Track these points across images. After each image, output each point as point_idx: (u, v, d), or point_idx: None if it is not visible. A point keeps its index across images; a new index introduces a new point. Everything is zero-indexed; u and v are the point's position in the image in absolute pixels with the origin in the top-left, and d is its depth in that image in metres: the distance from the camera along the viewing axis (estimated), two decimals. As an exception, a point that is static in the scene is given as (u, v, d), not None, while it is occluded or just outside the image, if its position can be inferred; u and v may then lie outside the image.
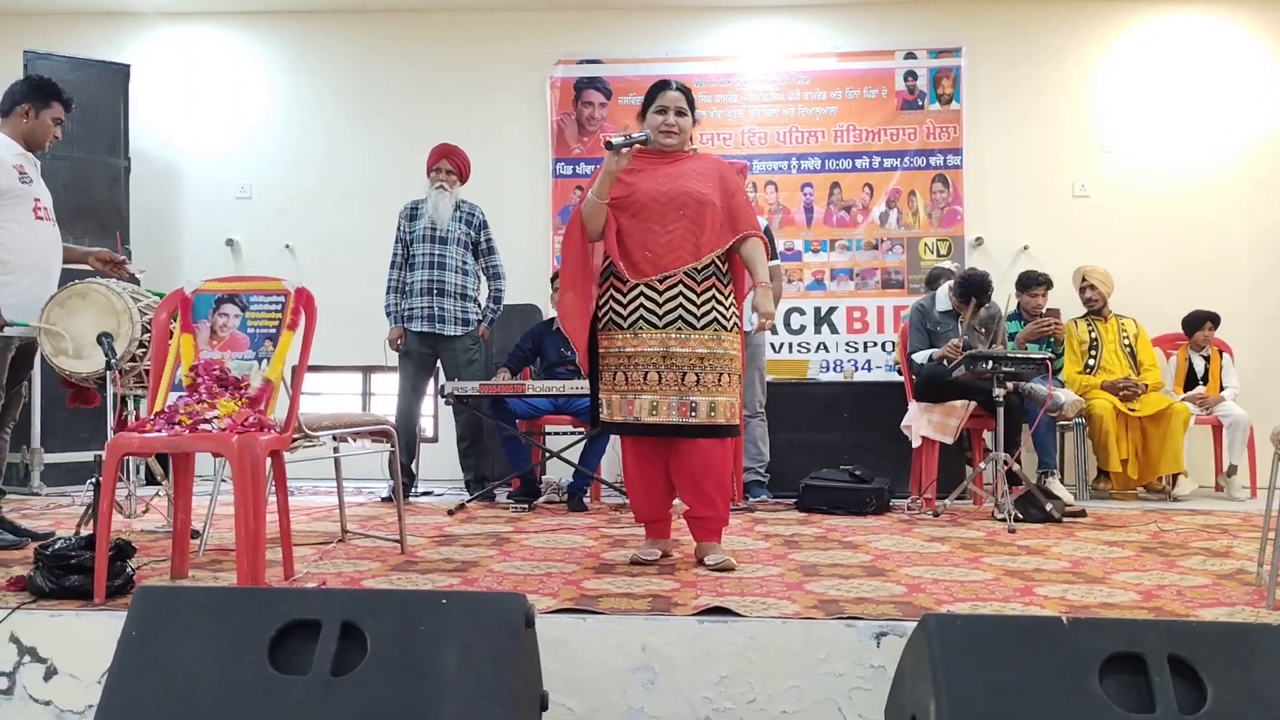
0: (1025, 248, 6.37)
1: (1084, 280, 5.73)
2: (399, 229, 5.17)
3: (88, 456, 5.17)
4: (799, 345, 6.47)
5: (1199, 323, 5.81)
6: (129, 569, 2.70)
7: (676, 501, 3.31)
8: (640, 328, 3.10)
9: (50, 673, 2.35)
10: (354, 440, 3.44)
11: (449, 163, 5.13)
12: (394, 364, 5.23)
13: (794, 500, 4.81)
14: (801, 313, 6.50)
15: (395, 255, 5.16)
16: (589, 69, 6.62)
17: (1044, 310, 5.72)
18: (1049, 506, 4.31)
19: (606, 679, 2.31)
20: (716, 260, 3.15)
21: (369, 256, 5.65)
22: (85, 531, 3.08)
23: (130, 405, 3.65)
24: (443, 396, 4.86)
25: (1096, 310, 5.71)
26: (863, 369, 6.38)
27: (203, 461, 4.20)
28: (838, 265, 6.53)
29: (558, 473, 5.43)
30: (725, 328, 3.12)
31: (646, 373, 3.09)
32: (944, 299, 5.07)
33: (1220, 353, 5.87)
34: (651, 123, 3.20)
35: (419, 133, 6.01)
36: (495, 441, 5.16)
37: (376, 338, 5.25)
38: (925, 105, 6.49)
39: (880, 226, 6.50)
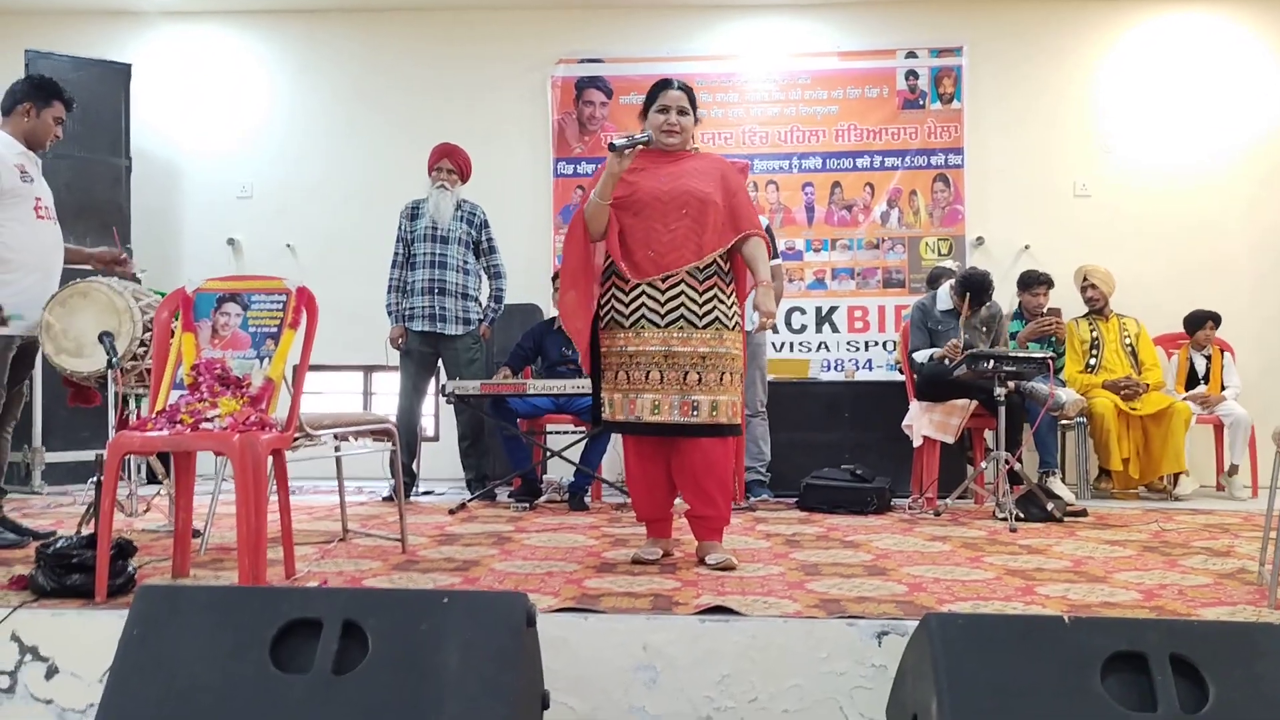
0: (1026, 247, 6.37)
1: (1085, 279, 5.73)
2: (400, 228, 5.17)
3: (89, 456, 5.17)
4: (800, 344, 6.47)
5: (1200, 322, 5.81)
6: (130, 568, 2.70)
7: (678, 501, 3.31)
8: (642, 327, 3.10)
9: (51, 671, 2.35)
10: (355, 439, 3.44)
11: (450, 162, 5.13)
12: (395, 363, 5.23)
13: (795, 499, 4.81)
14: (803, 312, 6.50)
15: (396, 254, 5.16)
16: (590, 68, 6.62)
17: (1045, 309, 5.72)
18: (1050, 506, 4.31)
19: (608, 678, 2.31)
20: (719, 259, 3.15)
21: (370, 256, 5.65)
22: (86, 530, 3.08)
23: (131, 404, 3.65)
24: (444, 396, 4.86)
25: (1098, 309, 5.71)
26: (864, 368, 6.38)
27: (204, 460, 4.20)
28: (839, 264, 6.52)
29: (559, 472, 5.44)
30: (727, 327, 3.12)
31: (648, 372, 3.09)
32: (945, 298, 5.07)
33: (1221, 352, 5.87)
34: (653, 122, 3.20)
35: (420, 132, 6.01)
36: (496, 441, 5.16)
37: (378, 337, 5.25)
38: (926, 104, 6.49)
39: (881, 226, 6.50)
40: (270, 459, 2.79)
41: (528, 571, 3.02)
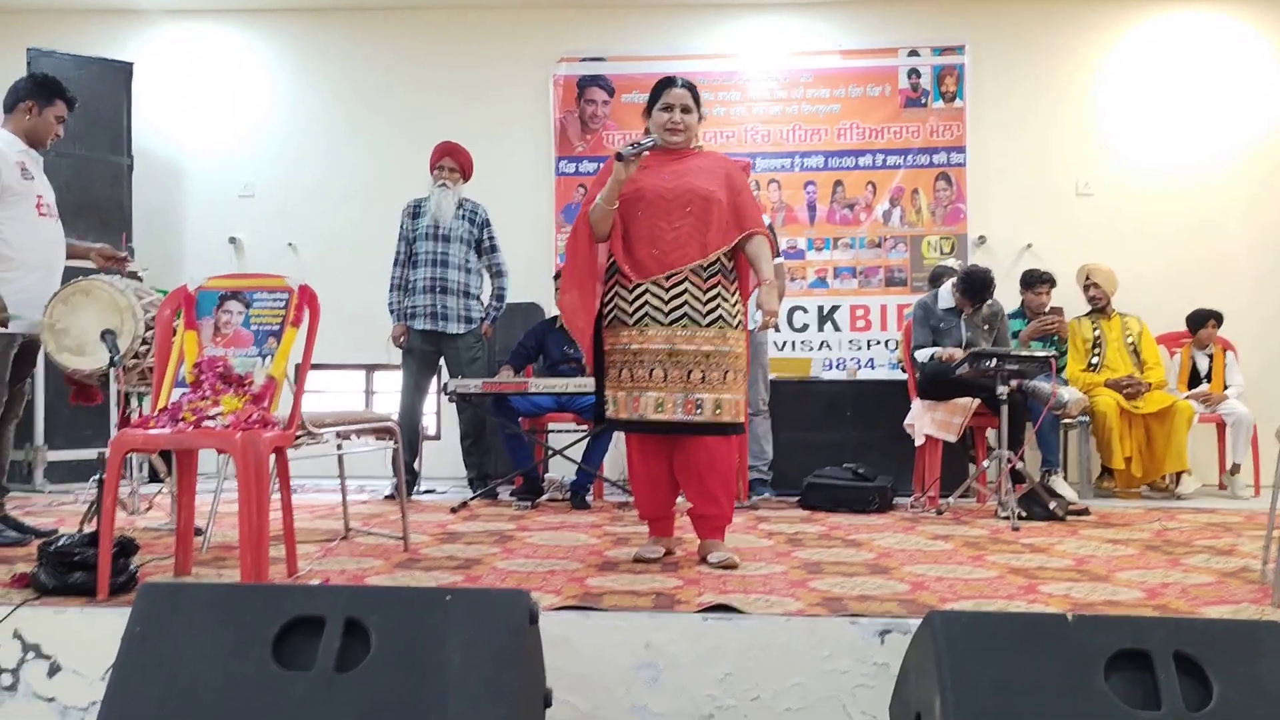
0: (1028, 246, 6.36)
1: (1088, 278, 5.73)
2: (402, 227, 5.17)
3: (91, 454, 5.19)
4: (802, 343, 6.47)
5: (1202, 321, 5.80)
6: (132, 566, 2.70)
7: (680, 499, 3.31)
8: (646, 325, 3.10)
9: (54, 669, 2.35)
10: (357, 438, 3.44)
11: (452, 161, 5.13)
12: (397, 362, 5.23)
13: (797, 498, 4.80)
14: (805, 311, 6.49)
15: (398, 253, 5.16)
16: (592, 66, 6.61)
17: (1048, 308, 5.72)
18: (1053, 505, 4.30)
19: (610, 676, 2.30)
20: (722, 257, 3.14)
21: (371, 255, 5.64)
22: (89, 529, 3.08)
23: (133, 402, 3.65)
24: (446, 394, 4.86)
25: (1100, 308, 5.71)
26: (866, 367, 6.38)
27: (206, 459, 4.20)
28: (841, 263, 6.52)
29: (560, 470, 5.43)
30: (731, 325, 3.12)
31: (652, 370, 3.09)
32: (947, 296, 5.06)
33: (1224, 351, 5.86)
34: (657, 120, 3.20)
35: (421, 131, 6.01)
36: (498, 439, 5.15)
37: (379, 336, 5.25)
38: (929, 103, 6.48)
39: (883, 225, 6.49)
40: (272, 457, 2.79)
41: (530, 570, 3.02)
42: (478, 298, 5.17)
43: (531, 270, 6.11)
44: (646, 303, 3.10)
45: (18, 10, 6.62)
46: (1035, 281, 5.72)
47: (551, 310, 5.62)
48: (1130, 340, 5.65)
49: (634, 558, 3.20)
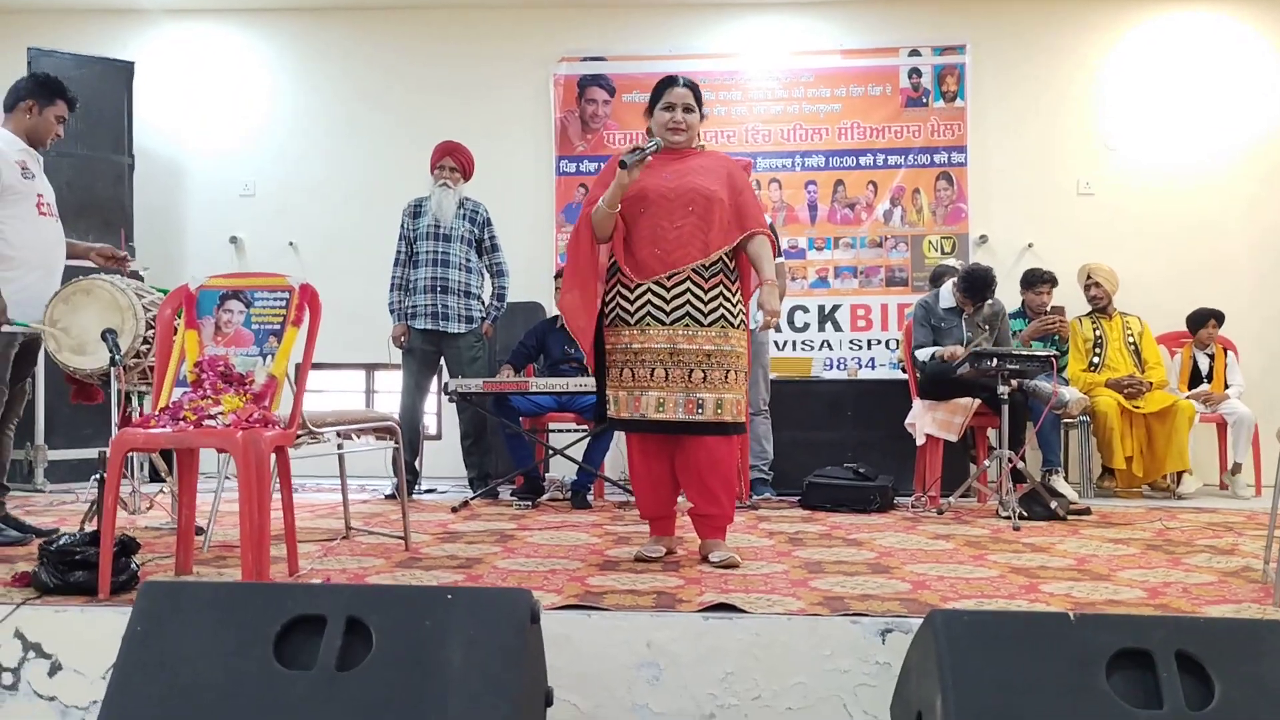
0: (1030, 245, 6.36)
1: (1089, 278, 5.73)
2: (402, 226, 5.17)
3: (92, 453, 5.19)
4: (803, 343, 6.47)
5: (1203, 320, 5.80)
6: (133, 565, 2.70)
7: (681, 499, 3.31)
8: (647, 324, 3.10)
9: (55, 668, 2.35)
10: (358, 437, 3.44)
11: (452, 160, 5.13)
12: (397, 361, 5.23)
13: (798, 498, 4.80)
14: (805, 310, 6.49)
15: (399, 252, 5.16)
16: (592, 66, 6.61)
17: (1049, 308, 5.72)
18: (1054, 504, 4.30)
19: (611, 675, 2.30)
20: (724, 257, 3.14)
21: (372, 254, 5.64)
22: (89, 528, 3.08)
23: (134, 401, 3.65)
24: (446, 394, 4.86)
25: (1101, 308, 5.71)
26: (866, 367, 6.37)
27: (207, 458, 4.20)
28: (842, 263, 6.52)
29: (561, 470, 5.43)
30: (732, 324, 3.12)
31: (653, 369, 3.09)
32: (948, 296, 5.06)
33: (1225, 350, 5.86)
34: (659, 119, 3.20)
35: (422, 130, 6.01)
36: (499, 439, 5.15)
37: (380, 335, 5.24)
38: (929, 102, 6.48)
39: (884, 224, 6.49)
40: (273, 456, 2.79)
41: (530, 569, 3.02)
42: (478, 297, 5.17)
43: (532, 270, 6.11)
44: (648, 302, 3.10)
45: (18, 10, 6.62)
46: (1036, 281, 5.72)
47: (552, 310, 5.62)
48: (1131, 340, 5.65)
49: (635, 557, 3.20)
